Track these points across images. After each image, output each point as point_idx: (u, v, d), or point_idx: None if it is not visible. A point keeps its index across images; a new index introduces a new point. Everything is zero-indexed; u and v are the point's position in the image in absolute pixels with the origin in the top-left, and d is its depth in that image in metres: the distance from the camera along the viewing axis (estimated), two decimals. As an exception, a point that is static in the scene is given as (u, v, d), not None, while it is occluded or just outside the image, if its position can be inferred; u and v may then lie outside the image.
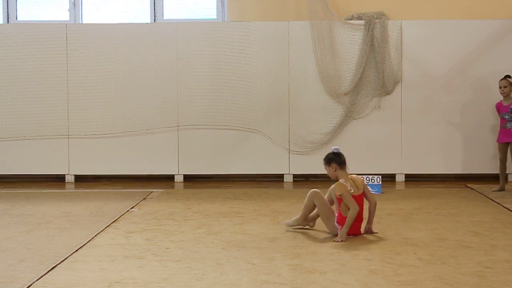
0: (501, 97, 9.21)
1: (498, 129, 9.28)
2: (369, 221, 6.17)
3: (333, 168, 6.17)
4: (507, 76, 9.18)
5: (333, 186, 6.10)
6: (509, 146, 9.05)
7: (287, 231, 6.31)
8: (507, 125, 9.02)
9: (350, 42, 10.32)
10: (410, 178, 10.43)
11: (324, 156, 6.33)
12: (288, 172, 10.32)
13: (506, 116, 9.03)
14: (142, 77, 10.41)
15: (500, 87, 9.17)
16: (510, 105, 9.02)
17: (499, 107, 9.21)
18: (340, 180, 6.07)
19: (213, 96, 10.40)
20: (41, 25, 10.62)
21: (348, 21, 10.39)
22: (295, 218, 6.38)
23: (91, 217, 7.23)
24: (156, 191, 9.35)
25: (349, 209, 5.92)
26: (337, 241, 5.83)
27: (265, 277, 4.72)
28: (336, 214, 6.06)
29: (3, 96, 10.43)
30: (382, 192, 8.95)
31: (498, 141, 9.26)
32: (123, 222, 6.95)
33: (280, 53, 10.36)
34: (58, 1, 11.21)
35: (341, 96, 10.30)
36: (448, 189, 9.45)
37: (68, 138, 10.50)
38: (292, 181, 10.32)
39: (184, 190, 9.63)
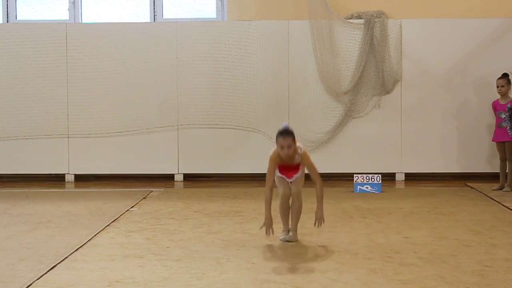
0: (498, 96, 9.21)
1: (494, 128, 9.28)
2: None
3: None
4: (505, 74, 9.17)
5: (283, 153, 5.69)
6: (505, 145, 9.03)
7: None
8: (503, 124, 9.02)
9: (349, 41, 10.32)
10: (410, 177, 10.43)
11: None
12: (288, 171, 10.31)
13: (503, 115, 9.02)
14: (142, 76, 10.41)
15: (497, 86, 9.16)
16: (507, 104, 9.02)
17: (495, 106, 9.20)
18: (304, 149, 5.81)
19: (212, 95, 10.40)
20: (40, 24, 10.62)
21: (348, 20, 10.39)
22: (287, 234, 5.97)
23: (91, 216, 7.23)
24: (156, 191, 9.35)
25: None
26: (320, 223, 5.71)
27: (265, 276, 4.72)
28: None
29: (3, 96, 10.43)
30: (382, 191, 8.96)
31: (493, 140, 9.26)
32: (123, 221, 6.95)
33: (280, 52, 10.35)
34: (58, 0, 11.20)
35: (341, 95, 10.30)
36: (448, 188, 9.45)
37: (68, 137, 10.50)
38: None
39: (184, 189, 9.63)
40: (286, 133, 5.64)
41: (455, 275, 4.70)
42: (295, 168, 5.83)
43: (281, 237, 5.92)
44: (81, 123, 10.47)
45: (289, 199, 5.90)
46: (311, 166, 5.81)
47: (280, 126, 5.72)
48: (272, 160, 5.75)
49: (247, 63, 10.33)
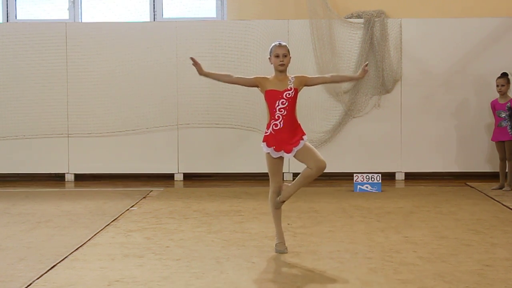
0: (497, 95, 9.21)
1: (493, 127, 9.27)
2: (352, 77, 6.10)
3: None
4: (504, 74, 9.17)
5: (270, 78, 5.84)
6: (505, 144, 9.03)
7: (286, 229, 6.31)
8: (503, 123, 9.02)
9: (349, 40, 10.32)
10: (410, 177, 10.43)
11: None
12: (288, 171, 10.32)
13: (503, 115, 9.03)
14: (142, 76, 10.41)
15: (497, 86, 9.16)
16: (506, 103, 9.02)
17: (495, 105, 9.20)
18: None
19: (212, 95, 10.39)
20: (40, 24, 10.62)
21: (348, 19, 10.39)
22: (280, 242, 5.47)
23: (91, 216, 7.24)
24: (156, 190, 9.35)
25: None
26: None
27: (265, 276, 4.72)
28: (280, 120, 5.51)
29: (3, 95, 10.43)
30: (382, 191, 8.96)
31: (492, 139, 9.26)
32: (123, 221, 6.95)
33: (280, 51, 10.32)
34: (58, 0, 11.19)
35: (341, 94, 10.30)
36: (448, 187, 9.45)
37: (68, 137, 10.50)
38: (292, 179, 10.32)
39: (184, 189, 9.63)
40: (282, 43, 5.76)
41: (455, 274, 4.70)
42: (295, 134, 5.37)
43: (277, 250, 5.42)
44: (81, 123, 10.46)
45: None
46: (312, 78, 5.74)
47: None
48: (257, 76, 5.82)
49: (247, 62, 10.33)
